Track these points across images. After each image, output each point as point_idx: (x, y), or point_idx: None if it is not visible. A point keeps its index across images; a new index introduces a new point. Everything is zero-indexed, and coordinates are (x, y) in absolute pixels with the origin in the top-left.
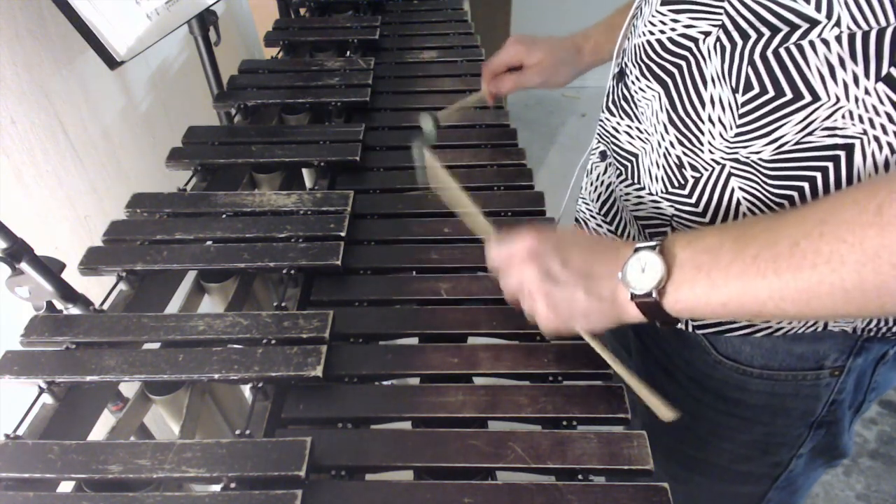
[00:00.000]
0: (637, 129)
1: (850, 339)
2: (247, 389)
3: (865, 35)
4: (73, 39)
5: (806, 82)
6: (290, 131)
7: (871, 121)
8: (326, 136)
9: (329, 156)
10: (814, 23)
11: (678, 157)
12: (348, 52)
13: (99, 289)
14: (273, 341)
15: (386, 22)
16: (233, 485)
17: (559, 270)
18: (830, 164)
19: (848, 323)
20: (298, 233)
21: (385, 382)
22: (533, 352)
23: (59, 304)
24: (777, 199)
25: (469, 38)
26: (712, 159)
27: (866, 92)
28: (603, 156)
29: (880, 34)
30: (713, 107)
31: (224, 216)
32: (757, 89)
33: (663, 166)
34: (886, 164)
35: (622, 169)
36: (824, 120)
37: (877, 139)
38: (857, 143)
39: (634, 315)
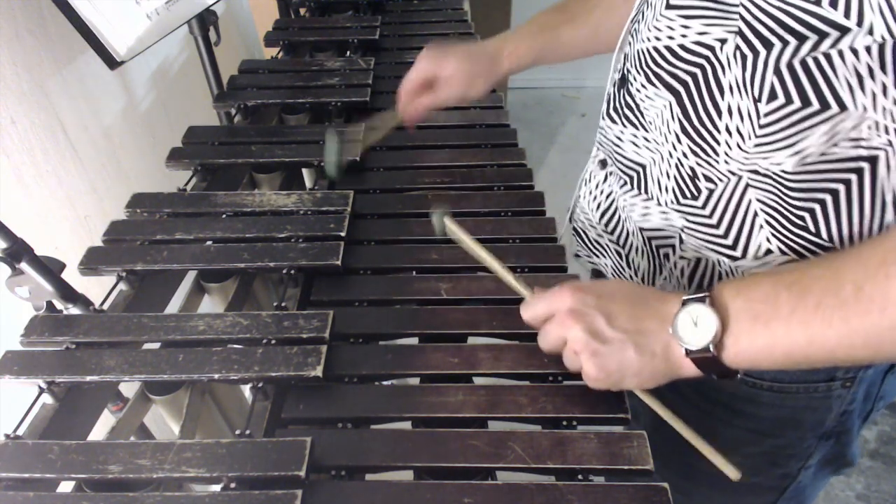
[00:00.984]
0: (644, 138)
1: None
2: (247, 389)
3: None
4: (73, 39)
5: (833, 92)
6: (290, 131)
7: None
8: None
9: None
10: (844, 30)
11: (691, 168)
12: (348, 52)
13: (99, 289)
14: (273, 341)
15: (386, 22)
16: (233, 485)
17: (605, 328)
18: (854, 177)
19: None
20: (298, 233)
21: (385, 382)
22: (533, 352)
23: (59, 304)
24: (798, 212)
25: (469, 38)
26: (728, 170)
27: (894, 102)
28: (603, 164)
29: None
30: (731, 116)
31: (224, 216)
32: (782, 99)
33: (674, 177)
34: None
35: (626, 179)
36: (850, 130)
37: None
38: (882, 154)
39: (690, 370)
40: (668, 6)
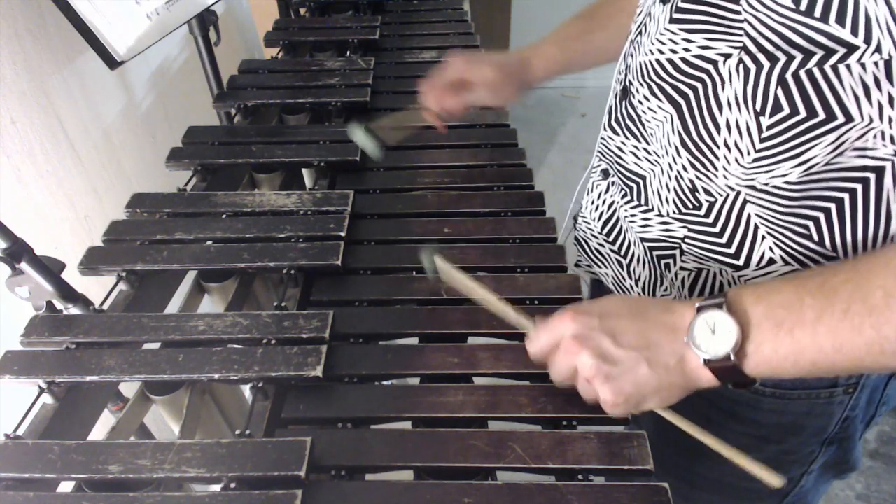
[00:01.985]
0: (645, 149)
1: None
2: (247, 389)
3: None
4: (73, 39)
5: (840, 103)
6: (290, 131)
7: None
8: (326, 136)
9: (329, 156)
10: (851, 48)
11: (691, 181)
12: (348, 52)
13: (99, 289)
14: (273, 341)
15: (386, 22)
16: (233, 485)
17: (613, 349)
18: (859, 186)
19: None
20: (298, 233)
21: (385, 382)
22: None
23: (59, 304)
24: (801, 220)
25: (469, 38)
26: (727, 185)
27: None
28: (605, 174)
29: None
30: (729, 132)
31: (224, 216)
32: (787, 111)
33: (675, 189)
34: None
35: (627, 190)
36: (855, 140)
37: None
38: (888, 164)
39: (708, 380)
40: (672, 20)
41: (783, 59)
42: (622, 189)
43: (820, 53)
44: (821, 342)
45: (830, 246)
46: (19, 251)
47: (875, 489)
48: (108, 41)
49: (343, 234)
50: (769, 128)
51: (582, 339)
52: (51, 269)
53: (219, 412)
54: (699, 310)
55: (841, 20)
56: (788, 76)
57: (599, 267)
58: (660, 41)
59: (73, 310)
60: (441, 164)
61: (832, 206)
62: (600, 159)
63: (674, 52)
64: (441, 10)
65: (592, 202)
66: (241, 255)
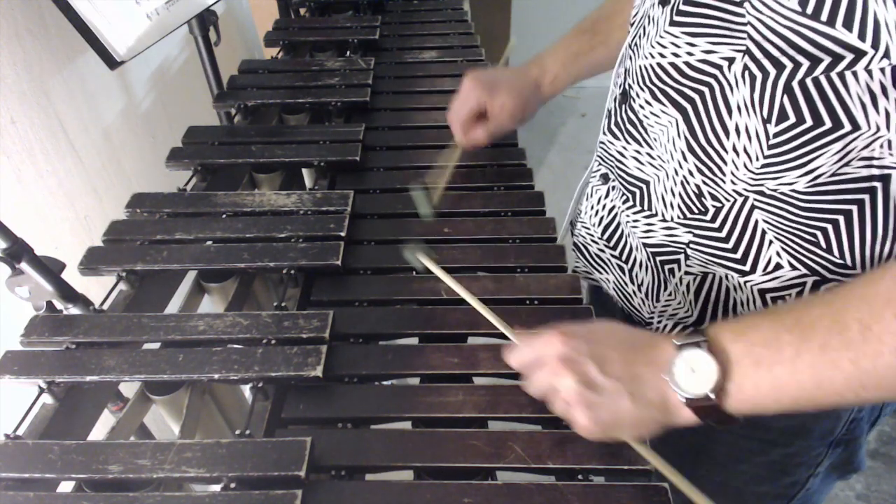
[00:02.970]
0: (648, 154)
1: None
2: (247, 389)
3: None
4: (73, 39)
5: (847, 111)
6: (290, 131)
7: None
8: (326, 136)
9: (329, 156)
10: (859, 53)
11: (697, 186)
12: (348, 52)
13: (99, 289)
14: (273, 341)
15: (386, 22)
16: (233, 485)
17: (598, 377)
18: (867, 196)
19: None
20: (298, 233)
21: (385, 382)
22: None
23: (59, 304)
24: (810, 230)
25: (469, 38)
26: (734, 190)
27: None
28: (605, 178)
29: None
30: (738, 136)
31: (224, 216)
32: (793, 119)
33: (680, 194)
34: None
35: (629, 195)
36: (862, 150)
37: None
38: (894, 173)
39: (688, 419)
40: (673, 23)
41: (790, 65)
42: (623, 194)
43: (827, 60)
44: (800, 379)
45: (839, 253)
46: (19, 251)
47: (875, 489)
48: (108, 41)
49: (343, 234)
50: (775, 136)
51: (569, 363)
52: (51, 269)
53: (219, 412)
54: (679, 347)
55: (848, 24)
56: (795, 84)
57: (600, 273)
58: (660, 44)
59: (73, 310)
60: (441, 164)
61: (840, 218)
62: (600, 164)
63: (676, 55)
64: (441, 10)
65: (592, 207)
66: (241, 255)
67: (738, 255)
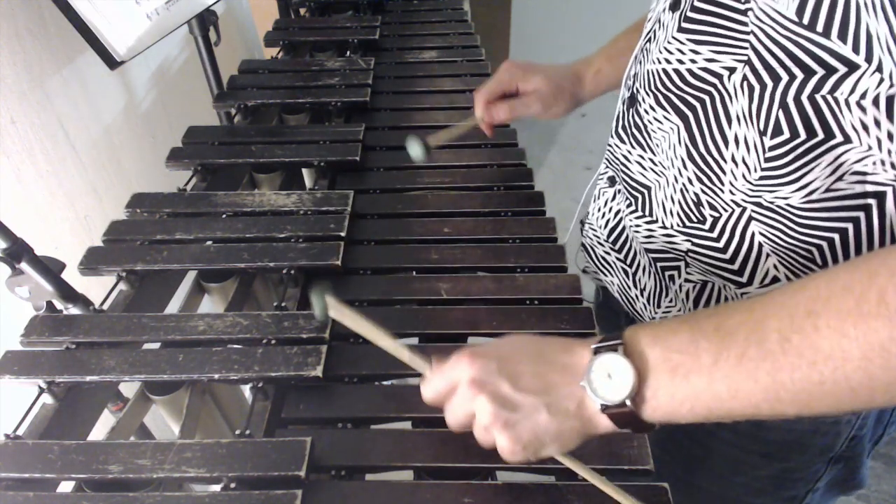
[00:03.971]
0: (651, 160)
1: None
2: (247, 389)
3: None
4: (73, 39)
5: (838, 123)
6: (290, 131)
7: None
8: (326, 136)
9: (329, 156)
10: (852, 66)
11: (696, 195)
12: (348, 52)
13: (99, 289)
14: (273, 341)
15: (386, 22)
16: (233, 485)
17: (511, 393)
18: (862, 214)
19: None
20: (298, 233)
21: (385, 382)
22: None
23: (59, 304)
24: (806, 246)
25: (469, 38)
26: (732, 200)
27: None
28: (611, 181)
29: None
30: (737, 146)
31: (224, 216)
32: (787, 134)
33: (679, 201)
34: None
35: (632, 199)
36: (854, 163)
37: None
38: (889, 190)
39: (605, 426)
40: (680, 29)
41: (785, 77)
42: (627, 198)
43: (821, 72)
44: (716, 388)
45: None
46: (19, 251)
47: (875, 489)
48: (108, 41)
49: (343, 234)
50: (770, 149)
51: (480, 384)
52: (51, 269)
53: (219, 412)
54: (596, 352)
55: (843, 36)
56: (790, 100)
57: (605, 275)
58: (667, 49)
59: (73, 310)
60: (441, 164)
61: (836, 237)
62: (607, 166)
63: (681, 62)
64: (441, 10)
65: (599, 209)
66: (241, 255)
67: (735, 267)
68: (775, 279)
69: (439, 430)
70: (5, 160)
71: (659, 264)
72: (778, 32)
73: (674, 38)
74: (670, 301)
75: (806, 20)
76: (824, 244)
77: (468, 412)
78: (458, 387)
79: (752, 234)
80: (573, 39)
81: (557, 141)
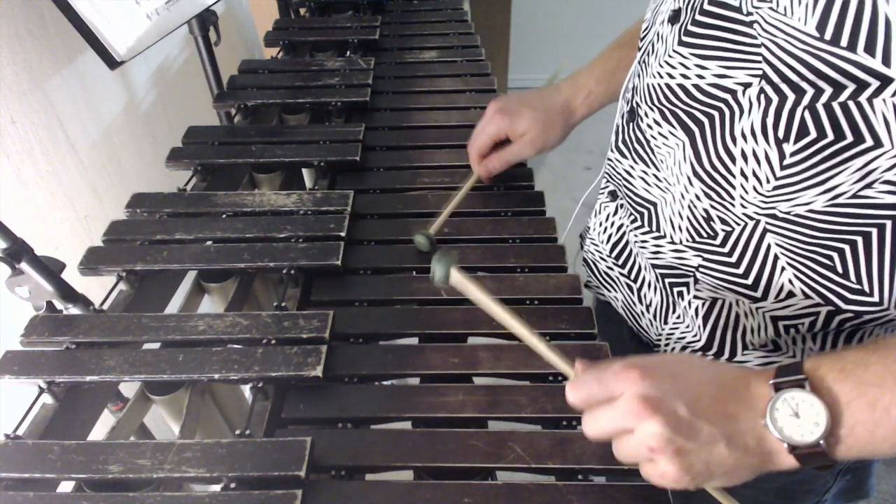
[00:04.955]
0: (655, 175)
1: None
2: (247, 389)
3: None
4: (73, 39)
5: (870, 129)
6: (290, 131)
7: None
8: (326, 136)
9: (329, 156)
10: (885, 80)
11: (705, 210)
12: (348, 52)
13: (99, 289)
14: (273, 341)
15: (386, 22)
16: (233, 485)
17: (690, 418)
18: (889, 222)
19: None
20: (298, 233)
21: (385, 382)
22: (533, 352)
23: (59, 304)
24: (825, 251)
25: (469, 38)
26: (745, 214)
27: None
28: (613, 196)
29: None
30: (745, 161)
31: (224, 216)
32: (814, 135)
33: (688, 217)
34: None
35: (637, 215)
36: (885, 171)
37: None
38: None
39: (790, 465)
40: (681, 43)
41: (811, 91)
42: (631, 213)
43: (852, 86)
44: None
45: (855, 278)
46: (19, 251)
47: (875, 489)
48: (108, 41)
49: (343, 234)
50: (793, 154)
51: (654, 404)
52: (51, 269)
53: (219, 412)
54: (777, 388)
55: (870, 49)
56: (819, 106)
57: (609, 290)
58: (668, 63)
59: (73, 310)
60: (441, 164)
61: (858, 240)
62: (608, 181)
63: (686, 77)
64: (441, 10)
65: (601, 224)
66: (241, 255)
67: (750, 281)
68: (791, 294)
69: (439, 430)
70: (5, 160)
71: (667, 280)
72: (796, 47)
73: (675, 51)
74: (678, 317)
75: (828, 35)
76: (846, 247)
77: (622, 427)
78: (619, 399)
79: (768, 247)
80: (573, 39)
81: None
